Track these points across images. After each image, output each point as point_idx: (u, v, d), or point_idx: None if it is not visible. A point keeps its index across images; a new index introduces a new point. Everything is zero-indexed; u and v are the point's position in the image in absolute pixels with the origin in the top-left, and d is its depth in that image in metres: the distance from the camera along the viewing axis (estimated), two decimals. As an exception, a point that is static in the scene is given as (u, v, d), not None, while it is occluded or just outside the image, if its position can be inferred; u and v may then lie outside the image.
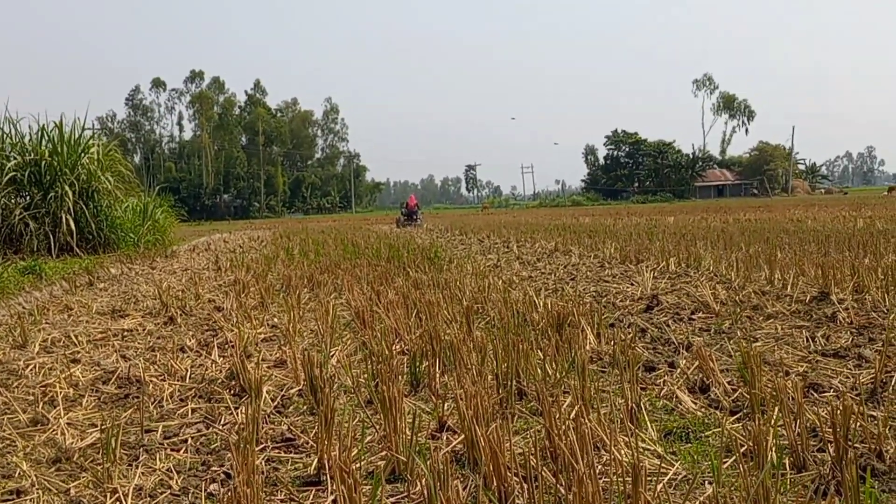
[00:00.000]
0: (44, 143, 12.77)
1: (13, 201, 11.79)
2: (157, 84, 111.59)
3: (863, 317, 4.56)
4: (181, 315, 5.90)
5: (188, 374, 3.83)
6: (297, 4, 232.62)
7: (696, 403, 3.04)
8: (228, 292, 7.29)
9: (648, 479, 2.08)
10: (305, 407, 3.25)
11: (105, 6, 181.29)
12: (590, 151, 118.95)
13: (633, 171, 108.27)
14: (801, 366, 3.55)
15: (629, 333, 4.42)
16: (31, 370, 3.92)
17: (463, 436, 2.54)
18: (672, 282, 6.79)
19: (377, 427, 2.78)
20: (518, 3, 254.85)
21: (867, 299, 5.06)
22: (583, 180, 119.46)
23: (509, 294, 6.15)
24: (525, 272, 8.55)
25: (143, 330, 5.33)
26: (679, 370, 3.51)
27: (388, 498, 2.17)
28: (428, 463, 2.15)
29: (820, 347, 3.88)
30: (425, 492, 2.08)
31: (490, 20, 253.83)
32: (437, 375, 3.46)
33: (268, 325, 5.38)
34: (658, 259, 8.60)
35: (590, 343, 4.14)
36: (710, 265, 7.73)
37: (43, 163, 12.28)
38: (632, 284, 6.73)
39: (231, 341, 4.60)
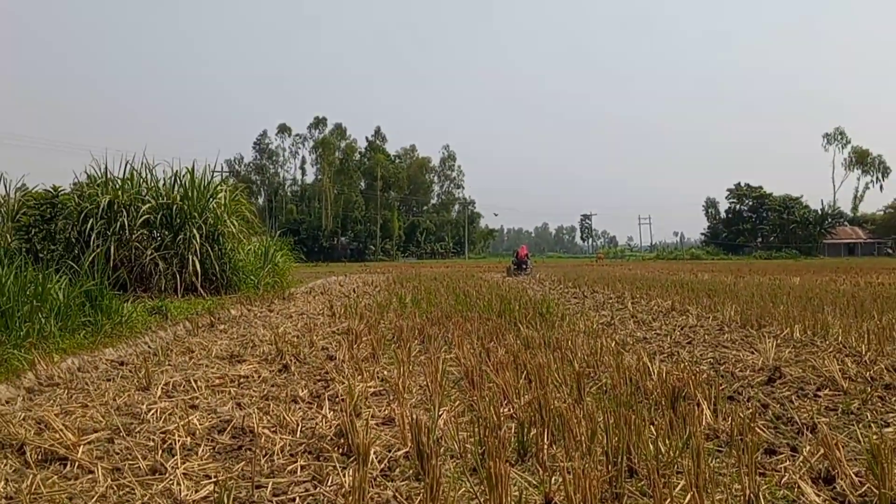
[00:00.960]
0: (176, 188, 13.54)
1: (145, 242, 12.47)
2: (283, 129, 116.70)
3: None
4: (295, 363, 6.07)
5: (299, 427, 3.91)
6: (418, 55, 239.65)
7: (819, 496, 2.87)
8: (341, 342, 7.44)
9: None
10: (411, 472, 3.25)
11: (243, 60, 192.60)
12: (711, 205, 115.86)
13: (757, 226, 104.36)
14: (940, 459, 3.30)
15: (749, 409, 4.24)
16: (153, 415, 4.10)
17: (569, 517, 2.49)
18: (796, 351, 6.49)
19: (482, 501, 2.75)
20: (628, 64, 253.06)
21: None
22: (702, 234, 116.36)
23: (622, 358, 6.02)
24: (639, 332, 8.36)
25: (259, 377, 5.50)
26: (802, 457, 3.33)
27: (490, 580, 2.14)
28: (532, 546, 2.11)
29: (961, 438, 3.60)
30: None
31: (603, 82, 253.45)
32: (546, 447, 3.40)
33: (378, 378, 5.45)
34: (781, 325, 8.25)
35: (706, 418, 3.98)
36: (838, 335, 7.35)
37: (174, 206, 12.99)
38: (752, 352, 6.47)
39: (342, 395, 4.68)
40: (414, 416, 3.58)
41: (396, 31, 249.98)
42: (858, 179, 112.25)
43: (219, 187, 14.51)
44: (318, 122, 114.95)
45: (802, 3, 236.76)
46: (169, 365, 5.97)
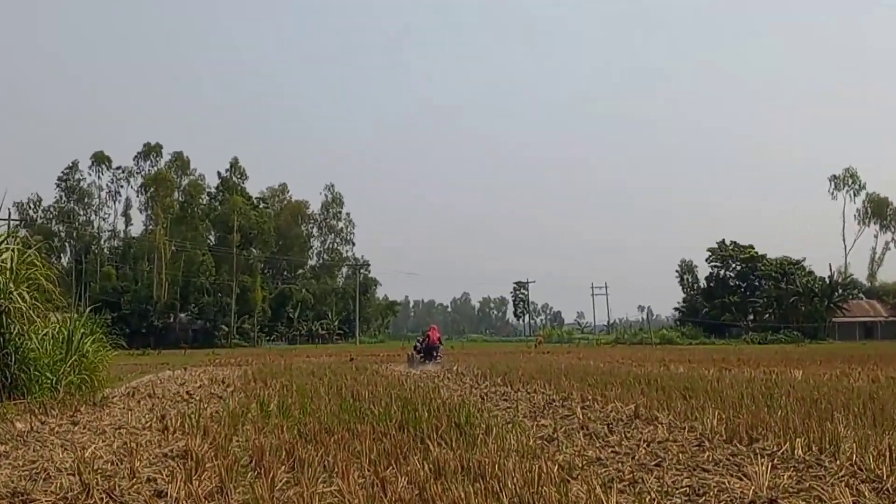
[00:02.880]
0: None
1: None
2: (100, 160, 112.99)
3: None
4: (108, 503, 5.87)
5: None
6: (290, 64, 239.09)
7: None
8: (176, 470, 7.24)
9: None
10: None
11: (44, 61, 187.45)
12: (687, 269, 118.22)
13: (747, 299, 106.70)
14: None
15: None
16: None
17: None
18: (798, 476, 6.65)
19: None
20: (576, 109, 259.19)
21: None
22: (676, 308, 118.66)
23: (568, 488, 6.06)
24: (592, 451, 8.44)
25: (54, 526, 5.30)
26: None
27: None
28: None
29: None
30: None
31: (536, 120, 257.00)
32: None
33: (227, 524, 5.33)
34: (779, 438, 8.46)
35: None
36: (851, 452, 7.57)
37: (-64, 272, 12.52)
38: (741, 478, 6.60)
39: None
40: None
41: (264, 27, 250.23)
42: (876, 237, 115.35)
43: (3, 244, 14.09)
44: (150, 151, 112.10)
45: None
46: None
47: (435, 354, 31.84)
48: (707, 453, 8.02)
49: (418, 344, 33.15)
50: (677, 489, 6.35)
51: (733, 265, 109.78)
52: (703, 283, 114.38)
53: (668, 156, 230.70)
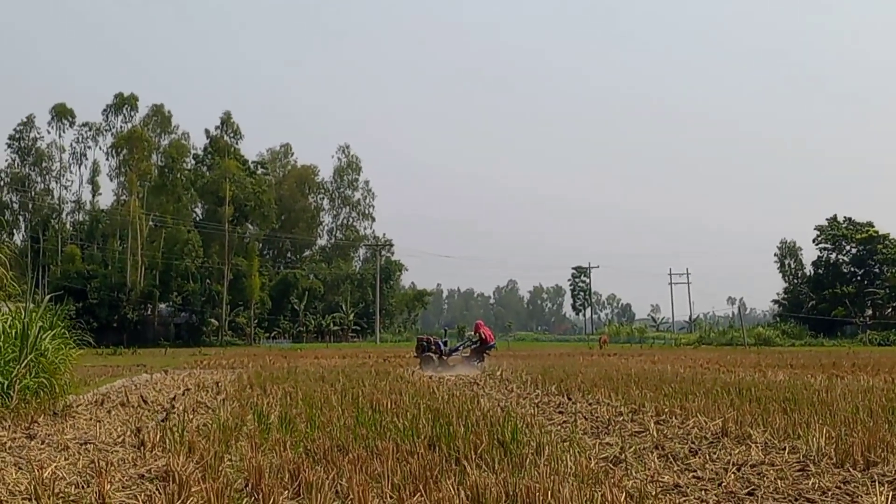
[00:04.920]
0: None
1: None
2: (62, 114, 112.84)
3: None
4: (72, 534, 5.94)
5: None
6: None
7: None
8: (154, 495, 7.31)
9: None
10: None
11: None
12: (788, 252, 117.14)
13: (865, 290, 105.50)
14: None
15: None
16: None
17: None
18: (928, 509, 6.63)
19: None
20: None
21: None
22: (776, 301, 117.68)
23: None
24: (668, 475, 8.44)
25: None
26: None
27: None
28: None
29: None
30: None
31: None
32: None
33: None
34: (905, 461, 8.42)
35: None
36: None
37: None
38: (856, 512, 6.59)
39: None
40: None
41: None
42: None
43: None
44: (123, 104, 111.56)
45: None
46: None
47: (482, 357, 32.07)
48: (812, 480, 8.00)
49: (425, 343, 33.07)
50: (775, 524, 6.35)
51: (847, 247, 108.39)
52: (809, 270, 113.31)
53: (774, 104, 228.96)
